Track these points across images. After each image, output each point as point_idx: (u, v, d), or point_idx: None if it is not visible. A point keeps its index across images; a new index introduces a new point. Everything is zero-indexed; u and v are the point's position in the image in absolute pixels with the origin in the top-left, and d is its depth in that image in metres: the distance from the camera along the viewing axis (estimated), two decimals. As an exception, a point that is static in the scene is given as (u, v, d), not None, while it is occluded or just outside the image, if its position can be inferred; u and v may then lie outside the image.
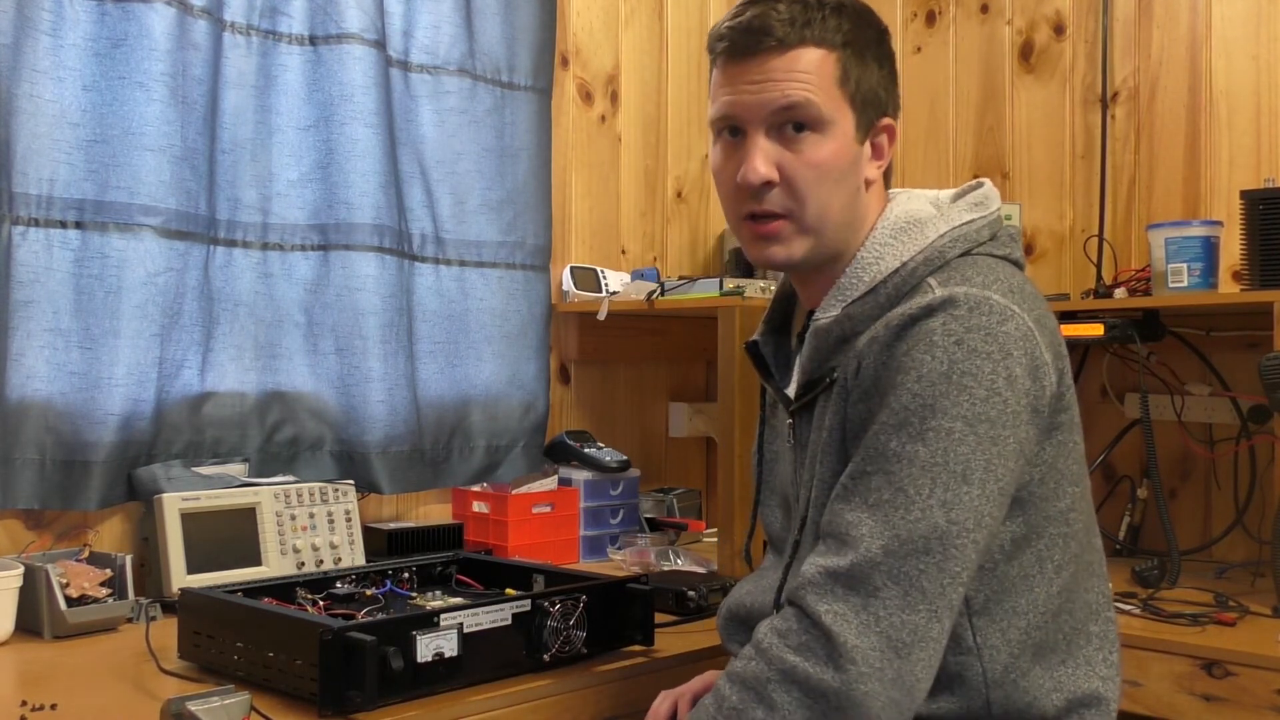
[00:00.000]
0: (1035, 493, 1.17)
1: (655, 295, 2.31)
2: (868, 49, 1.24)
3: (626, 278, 2.52)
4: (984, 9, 2.71)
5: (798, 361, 1.29)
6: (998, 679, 1.16)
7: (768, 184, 1.21)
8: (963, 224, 1.22)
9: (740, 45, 1.21)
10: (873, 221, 1.26)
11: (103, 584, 1.68)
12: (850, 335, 1.20)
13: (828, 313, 1.23)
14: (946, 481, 1.08)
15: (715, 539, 2.23)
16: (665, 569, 2.10)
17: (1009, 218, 2.30)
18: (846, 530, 1.10)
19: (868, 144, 1.25)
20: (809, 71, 1.19)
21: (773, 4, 1.21)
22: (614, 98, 2.63)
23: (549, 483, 2.33)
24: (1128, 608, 1.83)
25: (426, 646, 1.34)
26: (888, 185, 1.31)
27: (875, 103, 1.24)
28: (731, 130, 1.24)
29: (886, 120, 1.26)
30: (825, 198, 1.21)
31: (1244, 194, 2.03)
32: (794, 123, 1.20)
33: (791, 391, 1.29)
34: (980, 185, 1.28)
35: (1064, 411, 1.18)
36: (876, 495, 1.10)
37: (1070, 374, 1.21)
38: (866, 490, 1.11)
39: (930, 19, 2.81)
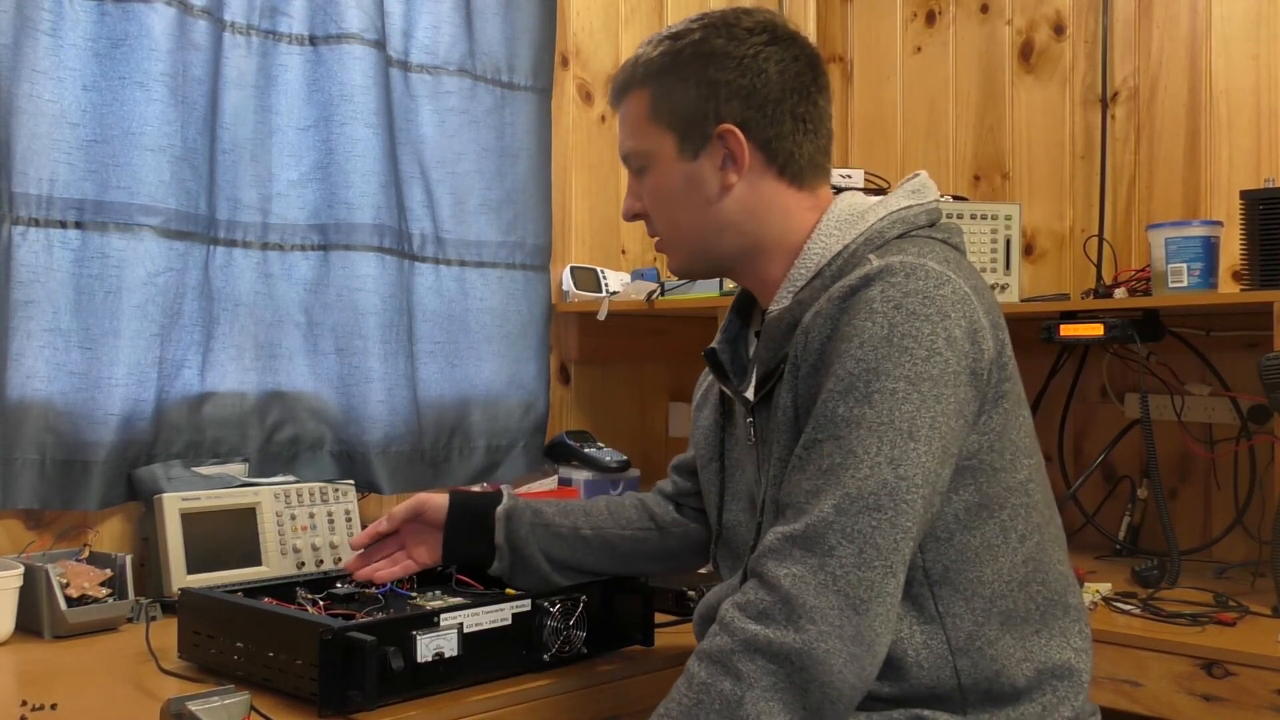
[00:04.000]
0: (986, 461, 1.20)
1: (655, 295, 2.31)
2: (677, 70, 1.30)
3: (626, 278, 2.52)
4: (984, 9, 2.71)
5: (754, 356, 1.33)
6: (962, 646, 1.19)
7: (637, 215, 1.37)
8: (901, 208, 1.27)
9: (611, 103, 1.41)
10: (793, 216, 1.31)
11: (103, 584, 1.68)
12: (799, 319, 1.24)
13: (779, 304, 1.28)
14: (893, 439, 1.11)
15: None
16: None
17: (1009, 218, 2.31)
18: (802, 498, 1.14)
19: (710, 155, 1.29)
20: (627, 119, 1.35)
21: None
22: (614, 98, 2.63)
23: (549, 483, 2.33)
24: (1128, 608, 1.83)
25: (426, 646, 1.34)
26: (801, 174, 1.31)
27: (697, 117, 1.29)
28: None
29: (722, 126, 1.28)
30: (669, 218, 1.34)
31: (1244, 194, 2.03)
32: (630, 164, 1.36)
33: (750, 392, 1.32)
34: (916, 175, 1.33)
35: (1007, 381, 1.22)
36: (829, 460, 1.13)
37: (1010, 346, 1.24)
38: (819, 457, 1.14)
39: (930, 19, 2.81)
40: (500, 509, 1.52)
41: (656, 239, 1.39)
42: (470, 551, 1.54)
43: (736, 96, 1.28)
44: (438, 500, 1.56)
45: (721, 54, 1.29)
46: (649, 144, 1.32)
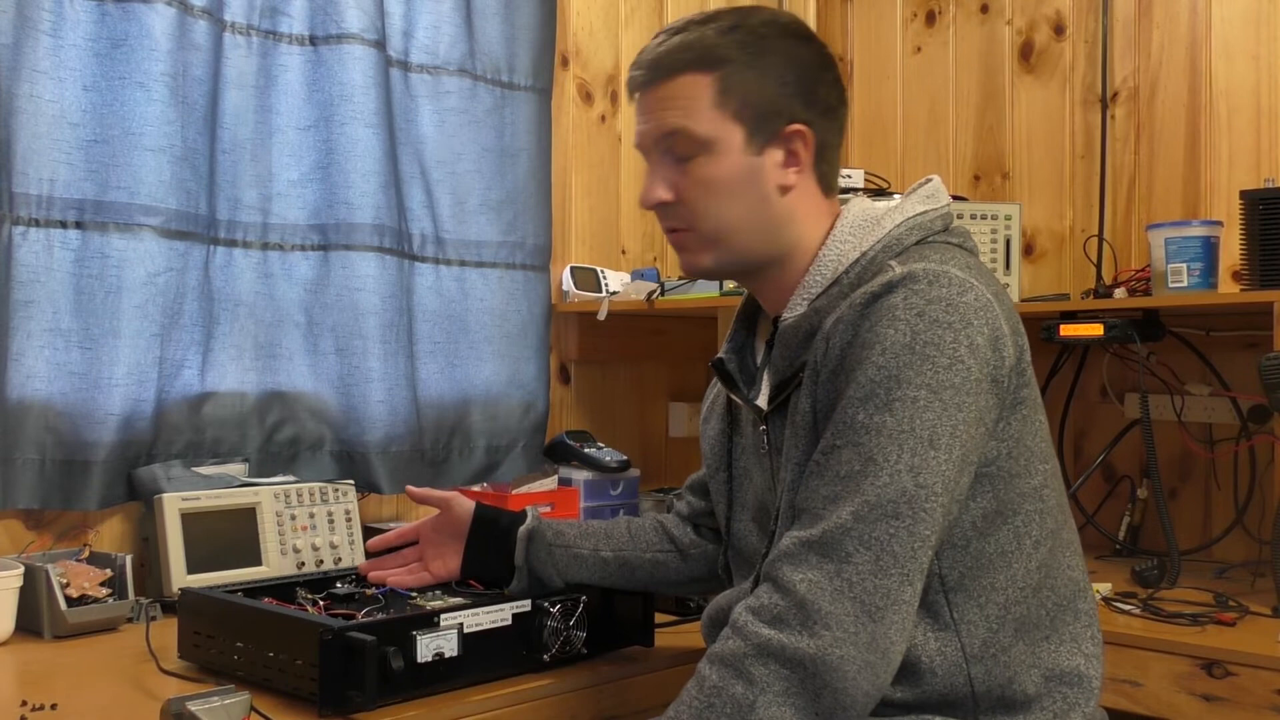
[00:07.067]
0: (1004, 468, 1.19)
1: (655, 295, 2.31)
2: (752, 61, 1.27)
3: (626, 278, 2.52)
4: (984, 9, 2.71)
5: (769, 365, 1.31)
6: (976, 654, 1.18)
7: (664, 204, 1.30)
8: (917, 214, 1.27)
9: (634, 81, 1.32)
10: (814, 223, 1.30)
11: (103, 584, 1.68)
12: (817, 327, 1.23)
13: (794, 311, 1.27)
14: (914, 447, 1.11)
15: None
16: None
17: (1009, 218, 2.31)
18: (820, 504, 1.13)
19: (773, 152, 1.28)
20: (682, 100, 1.27)
21: (665, 38, 1.29)
22: (614, 98, 2.63)
23: (549, 483, 2.33)
24: (1128, 608, 1.83)
25: (426, 646, 1.34)
26: (831, 184, 1.33)
27: (773, 112, 1.28)
28: (647, 158, 1.33)
29: (795, 126, 1.28)
30: (718, 211, 1.28)
31: (1244, 194, 2.03)
32: (675, 147, 1.28)
33: (762, 400, 1.31)
34: (929, 180, 1.33)
35: (1026, 387, 1.22)
36: (847, 467, 1.12)
37: (1029, 352, 1.23)
38: (838, 463, 1.13)
39: (930, 19, 2.81)
40: (522, 530, 1.53)
41: (677, 232, 1.31)
42: (489, 568, 1.55)
43: (806, 98, 1.29)
44: (464, 506, 1.57)
45: (795, 54, 1.29)
46: (710, 130, 1.26)
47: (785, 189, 1.29)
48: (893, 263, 1.21)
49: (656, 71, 1.28)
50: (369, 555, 1.64)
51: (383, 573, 1.57)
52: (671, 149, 1.28)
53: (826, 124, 1.30)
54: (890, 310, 1.15)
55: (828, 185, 1.32)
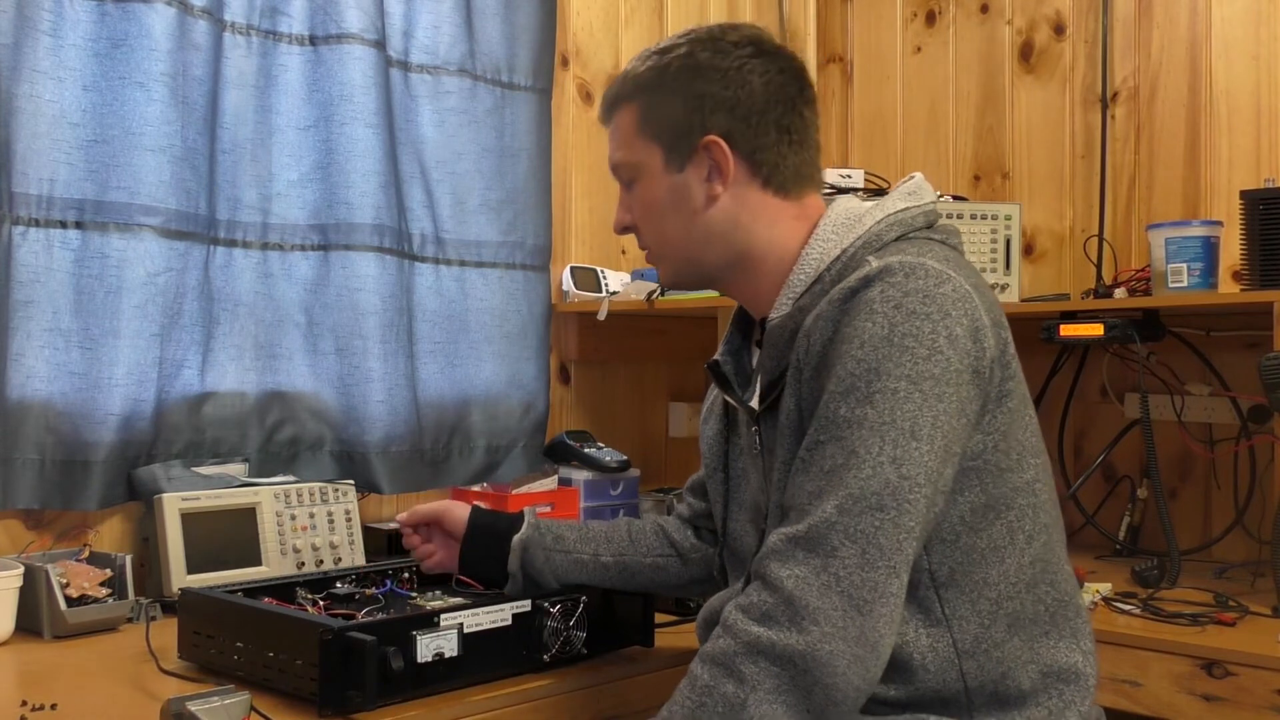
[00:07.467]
0: (992, 462, 1.19)
1: (655, 295, 2.31)
2: (664, 84, 1.32)
3: (626, 278, 2.52)
4: (984, 9, 2.71)
5: (758, 366, 1.32)
6: (968, 649, 1.18)
7: (627, 228, 1.39)
8: (898, 210, 1.27)
9: (600, 120, 1.43)
10: (773, 225, 1.31)
11: (103, 584, 1.68)
12: (801, 325, 1.23)
13: (780, 311, 1.27)
14: (895, 438, 1.11)
15: (715, 539, 2.22)
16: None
17: (1009, 218, 2.31)
18: (805, 499, 1.14)
19: (696, 168, 1.31)
20: (617, 132, 1.37)
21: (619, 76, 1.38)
22: (614, 98, 2.63)
23: (549, 483, 2.33)
24: (1128, 608, 1.83)
25: (426, 646, 1.34)
26: (785, 183, 1.31)
27: (683, 130, 1.30)
28: None
29: (707, 138, 1.29)
30: (656, 230, 1.36)
31: (1244, 194, 2.03)
32: (621, 176, 1.38)
33: (754, 401, 1.32)
34: (912, 178, 1.33)
35: (1011, 380, 1.21)
36: (830, 461, 1.13)
37: (1013, 345, 1.23)
38: (822, 458, 1.14)
39: (930, 19, 2.81)
40: (517, 539, 1.55)
41: (646, 250, 1.39)
42: (484, 572, 1.58)
43: (721, 109, 1.29)
44: (458, 512, 1.61)
45: (707, 67, 1.30)
46: (637, 156, 1.34)
47: (712, 200, 1.31)
48: (870, 258, 1.21)
49: (605, 111, 1.39)
50: (401, 532, 1.70)
51: (418, 542, 1.65)
52: (621, 178, 1.38)
53: (752, 128, 1.29)
54: (868, 304, 1.15)
55: (779, 185, 1.31)
